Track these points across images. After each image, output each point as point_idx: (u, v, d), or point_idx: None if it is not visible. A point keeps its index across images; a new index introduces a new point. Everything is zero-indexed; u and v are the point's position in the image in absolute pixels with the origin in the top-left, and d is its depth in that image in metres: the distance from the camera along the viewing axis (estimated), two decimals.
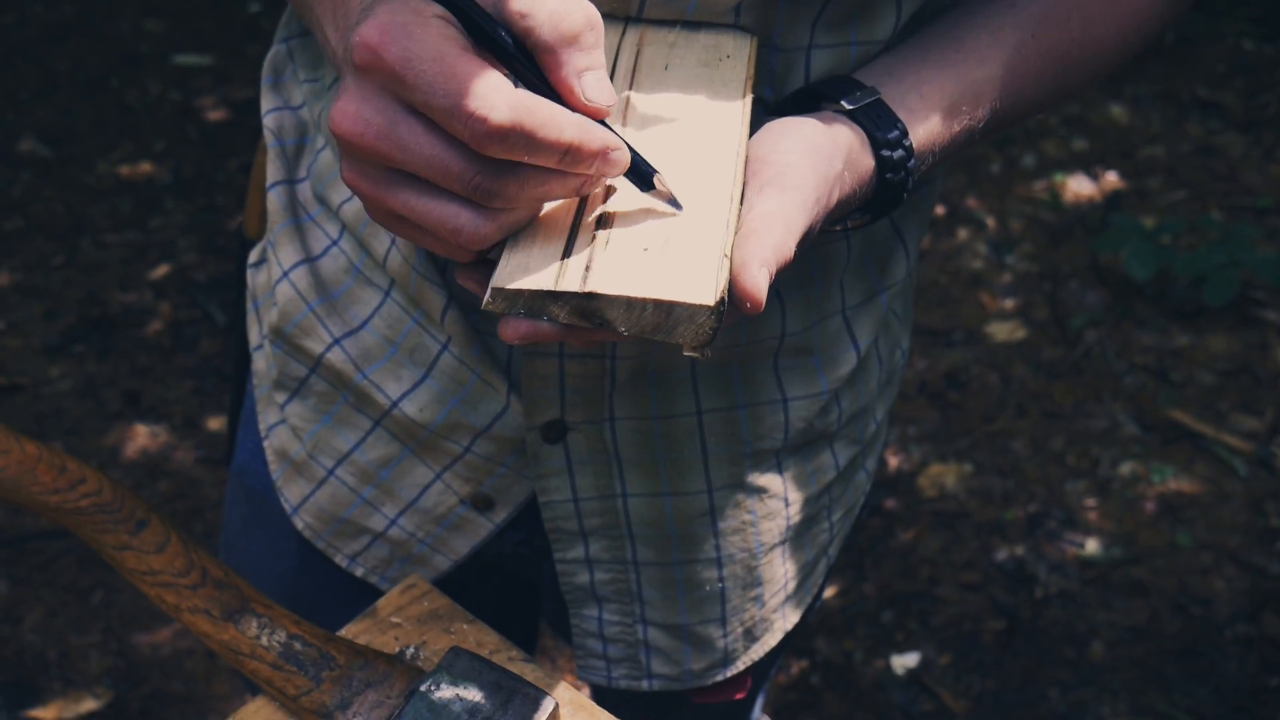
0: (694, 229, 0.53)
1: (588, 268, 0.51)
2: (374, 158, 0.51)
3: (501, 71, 0.50)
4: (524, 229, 0.53)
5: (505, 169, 0.50)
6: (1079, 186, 2.65)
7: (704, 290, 0.50)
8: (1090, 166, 2.69)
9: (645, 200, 0.54)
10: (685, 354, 0.51)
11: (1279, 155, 2.72)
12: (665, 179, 0.53)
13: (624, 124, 0.57)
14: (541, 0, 0.50)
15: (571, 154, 0.50)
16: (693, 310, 0.50)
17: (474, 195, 0.50)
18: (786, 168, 0.56)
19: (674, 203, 0.53)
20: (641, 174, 0.53)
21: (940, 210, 2.60)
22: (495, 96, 0.48)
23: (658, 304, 0.50)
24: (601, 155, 0.51)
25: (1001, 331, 2.32)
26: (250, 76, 2.90)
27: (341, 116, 0.50)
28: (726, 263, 0.52)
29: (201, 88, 2.87)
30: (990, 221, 2.57)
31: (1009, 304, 2.38)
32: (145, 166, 2.65)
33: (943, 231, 2.54)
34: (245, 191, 2.92)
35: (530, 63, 0.51)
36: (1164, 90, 2.88)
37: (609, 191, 0.55)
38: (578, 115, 0.50)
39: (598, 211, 0.54)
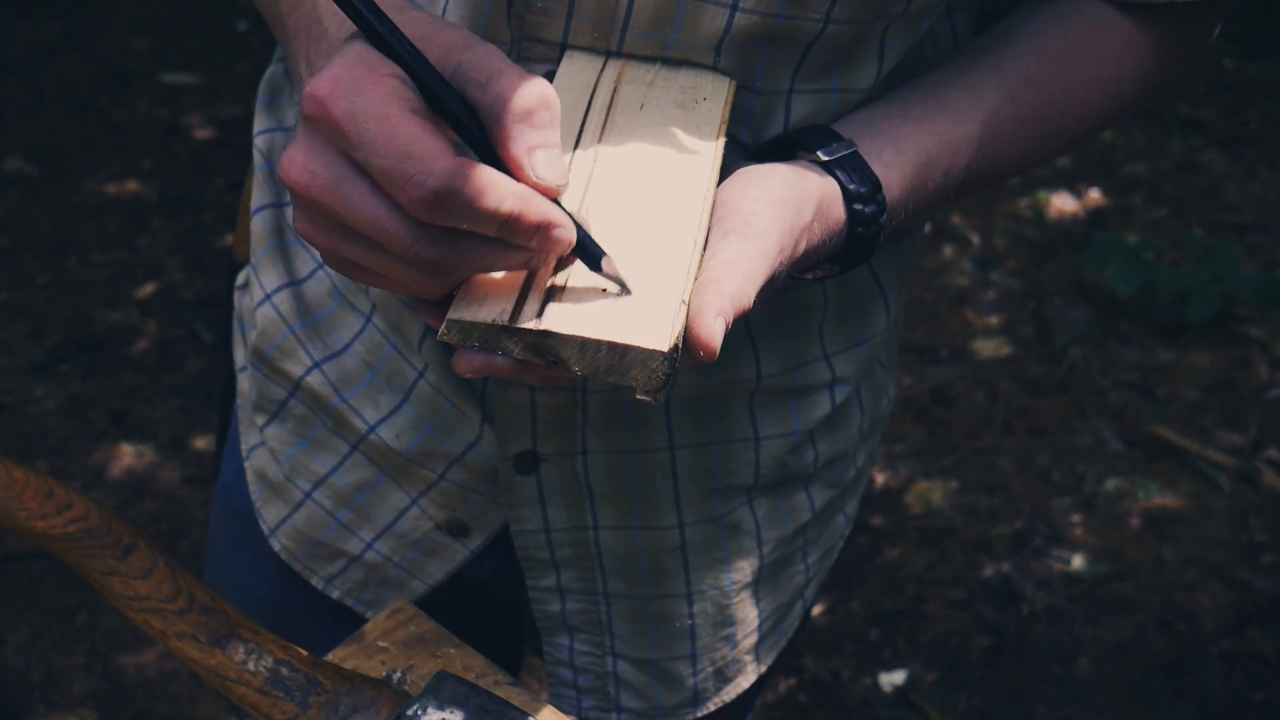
0: (654, 273, 0.52)
1: (544, 306, 0.51)
2: (320, 210, 0.50)
3: (451, 139, 0.49)
4: None
5: (445, 238, 0.49)
6: (1062, 203, 2.67)
7: (659, 336, 0.50)
8: (1074, 183, 2.71)
9: (591, 279, 0.53)
10: (638, 397, 0.51)
11: (1260, 172, 2.74)
12: (615, 262, 0.52)
13: (595, 162, 0.57)
14: (498, 74, 0.50)
15: (510, 225, 0.48)
16: (646, 355, 0.50)
17: (413, 263, 0.49)
18: (751, 215, 0.56)
19: (623, 286, 0.52)
20: (589, 254, 0.51)
21: (925, 227, 2.62)
22: (434, 161, 0.47)
23: (612, 346, 0.50)
24: (543, 228, 0.49)
25: (987, 348, 2.33)
26: (238, 95, 2.90)
27: (290, 165, 0.50)
28: (684, 309, 0.51)
29: (189, 106, 2.87)
30: (975, 238, 2.59)
31: (994, 321, 2.39)
32: (132, 185, 2.65)
33: (927, 249, 2.55)
34: (232, 210, 2.90)
35: (483, 134, 0.50)
36: (1146, 108, 2.91)
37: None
38: (521, 186, 0.49)
39: None
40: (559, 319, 0.51)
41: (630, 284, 0.52)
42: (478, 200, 0.47)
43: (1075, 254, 2.51)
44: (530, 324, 0.50)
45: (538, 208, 0.49)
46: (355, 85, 0.48)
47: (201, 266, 2.46)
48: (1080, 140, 0.72)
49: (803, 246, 0.59)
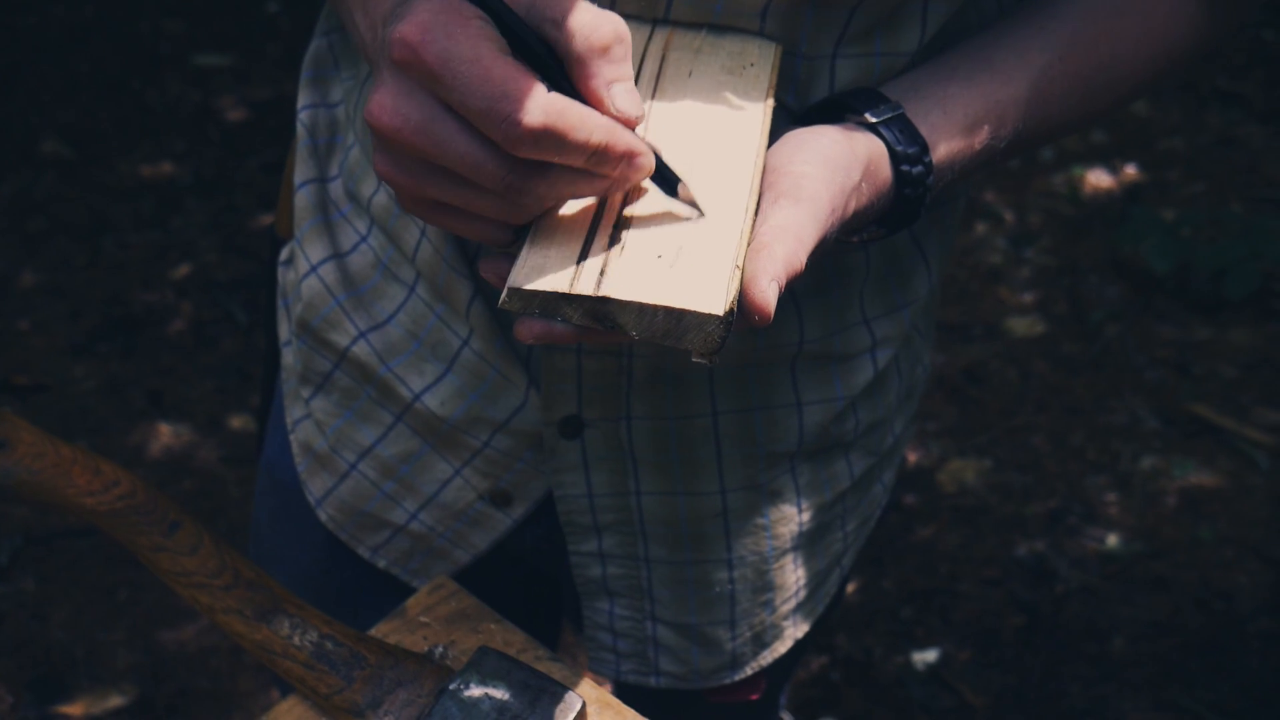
0: (708, 238, 0.54)
1: (602, 272, 0.53)
2: (410, 151, 0.52)
3: (535, 76, 0.51)
4: (542, 229, 0.55)
5: (535, 169, 0.52)
6: (1098, 179, 2.64)
7: (714, 300, 0.51)
8: (1109, 159, 2.68)
9: (666, 204, 0.55)
10: (694, 360, 0.53)
11: None
12: (689, 187, 0.55)
13: (646, 129, 0.58)
14: (575, 12, 0.52)
15: (599, 155, 0.51)
16: (702, 319, 0.51)
17: (505, 193, 0.52)
18: (802, 178, 0.57)
19: (697, 209, 0.55)
20: (666, 180, 0.54)
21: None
22: (529, 100, 0.49)
23: (669, 311, 0.52)
24: (627, 157, 0.52)
25: (1021, 326, 2.32)
26: (270, 76, 2.91)
27: (380, 110, 0.51)
28: (738, 274, 0.53)
29: (221, 88, 2.88)
30: (1009, 215, 2.56)
31: (1028, 298, 2.37)
32: (166, 167, 2.67)
33: (961, 226, 2.53)
34: (265, 191, 2.88)
35: (562, 71, 0.52)
36: (1183, 81, 2.87)
37: (627, 195, 0.56)
38: (607, 119, 0.52)
39: (616, 216, 0.55)
40: (617, 285, 0.52)
41: (685, 247, 0.53)
42: (571, 134, 0.50)
43: (1111, 230, 2.48)
44: (589, 290, 0.52)
45: (623, 138, 0.52)
46: (445, 29, 0.50)
47: (235, 248, 2.48)
48: (1130, 99, 0.72)
49: (852, 207, 0.59)
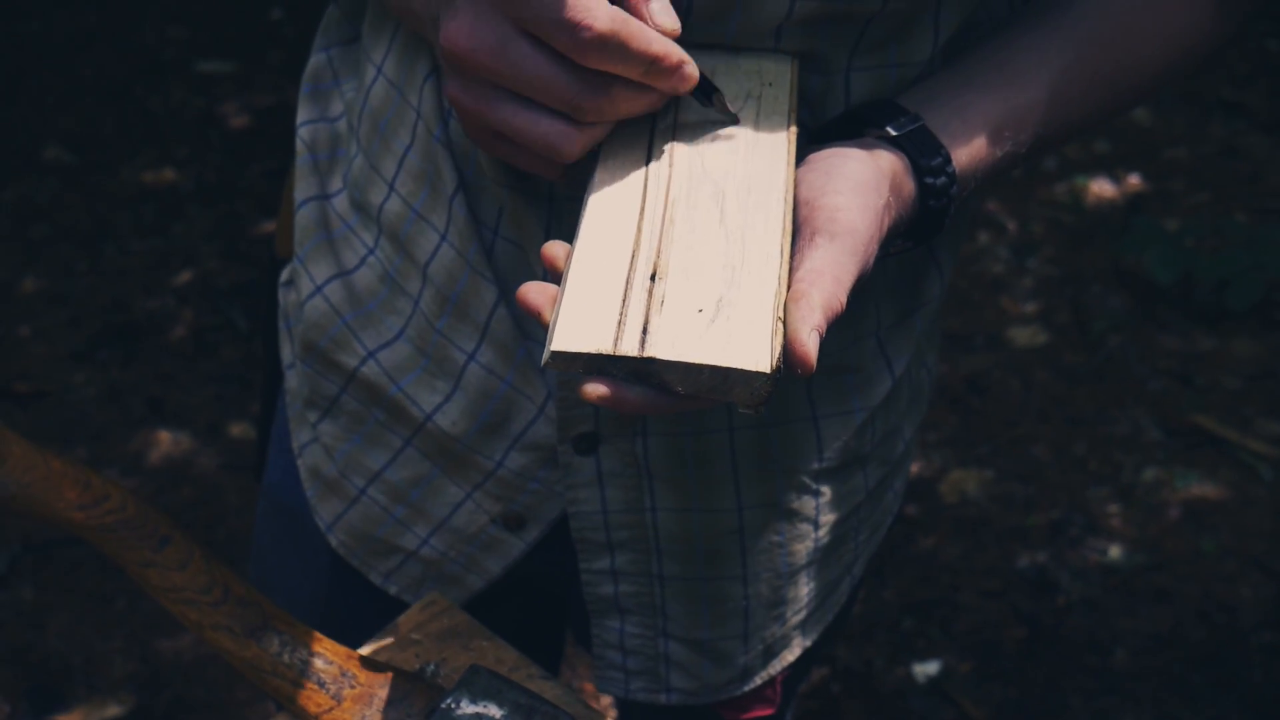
0: (746, 287, 0.53)
1: (645, 330, 0.52)
2: (482, 74, 0.55)
3: None
4: (575, 282, 0.54)
5: (599, 86, 0.55)
6: (1101, 189, 2.63)
7: (759, 357, 0.51)
8: (1112, 169, 2.67)
9: (691, 241, 0.55)
10: (740, 410, 0.52)
11: None
12: (724, 98, 0.59)
13: (671, 167, 0.59)
14: None
15: (656, 65, 0.55)
16: (749, 376, 0.51)
17: (571, 110, 0.55)
18: (837, 211, 0.57)
19: (731, 117, 0.59)
20: (705, 90, 0.58)
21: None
22: (597, 8, 0.53)
23: (714, 369, 0.51)
24: (679, 67, 0.56)
25: (1023, 336, 2.31)
26: (273, 83, 2.92)
27: (456, 33, 0.54)
28: (780, 326, 0.52)
29: (224, 94, 2.89)
30: (1011, 225, 2.56)
31: (1030, 308, 2.37)
32: (168, 173, 2.67)
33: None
34: (267, 198, 2.88)
35: None
36: (1187, 91, 2.86)
37: (658, 242, 0.56)
38: (659, 33, 0.55)
39: (649, 264, 0.55)
40: (661, 344, 0.51)
41: (724, 299, 0.53)
42: (633, 42, 0.54)
43: (1114, 241, 2.47)
44: (633, 351, 0.51)
45: (675, 49, 0.56)
46: None
47: (237, 254, 2.48)
48: (1150, 95, 0.71)
49: (886, 225, 0.59)
